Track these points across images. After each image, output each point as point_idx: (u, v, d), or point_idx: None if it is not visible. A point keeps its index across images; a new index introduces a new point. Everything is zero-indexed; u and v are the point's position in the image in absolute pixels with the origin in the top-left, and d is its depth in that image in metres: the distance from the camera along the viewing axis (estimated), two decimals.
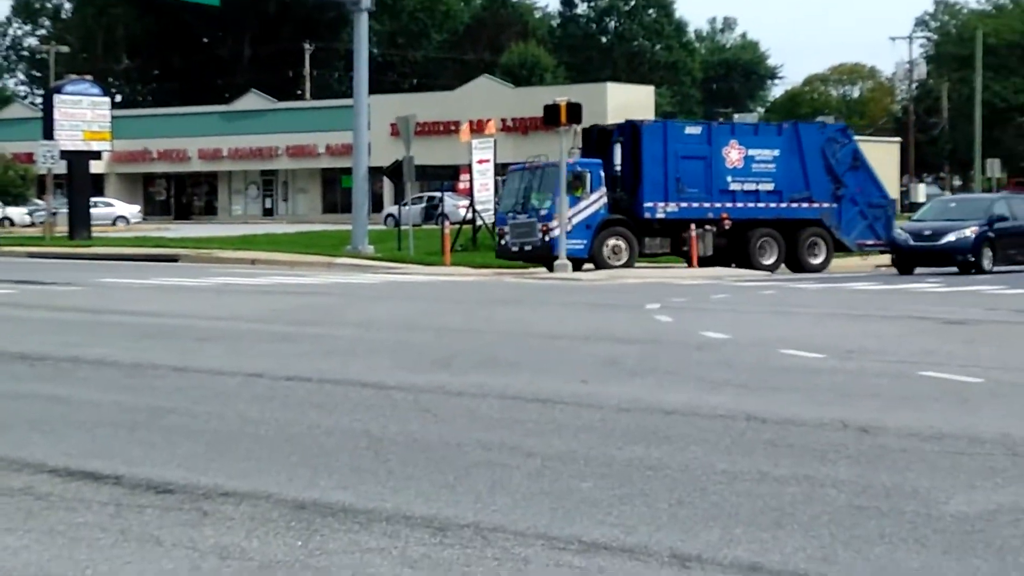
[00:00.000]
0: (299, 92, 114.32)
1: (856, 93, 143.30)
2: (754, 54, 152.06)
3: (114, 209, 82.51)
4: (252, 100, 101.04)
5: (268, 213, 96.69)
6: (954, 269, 36.40)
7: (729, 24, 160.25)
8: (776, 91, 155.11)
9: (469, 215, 44.71)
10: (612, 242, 37.80)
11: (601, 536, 7.18)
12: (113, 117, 58.36)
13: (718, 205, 38.84)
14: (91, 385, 13.03)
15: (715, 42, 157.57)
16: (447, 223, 39.97)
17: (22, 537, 7.25)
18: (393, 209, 62.93)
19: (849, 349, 16.02)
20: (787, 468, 8.97)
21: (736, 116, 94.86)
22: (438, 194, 58.10)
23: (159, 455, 9.52)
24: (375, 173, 52.78)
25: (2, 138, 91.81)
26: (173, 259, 42.09)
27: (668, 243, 38.92)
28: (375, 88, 56.26)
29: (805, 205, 40.00)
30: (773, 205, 39.69)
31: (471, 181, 43.84)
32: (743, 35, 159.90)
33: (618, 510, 7.77)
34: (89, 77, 61.78)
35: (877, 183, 41.88)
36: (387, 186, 76.35)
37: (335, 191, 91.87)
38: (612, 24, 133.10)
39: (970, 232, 36.53)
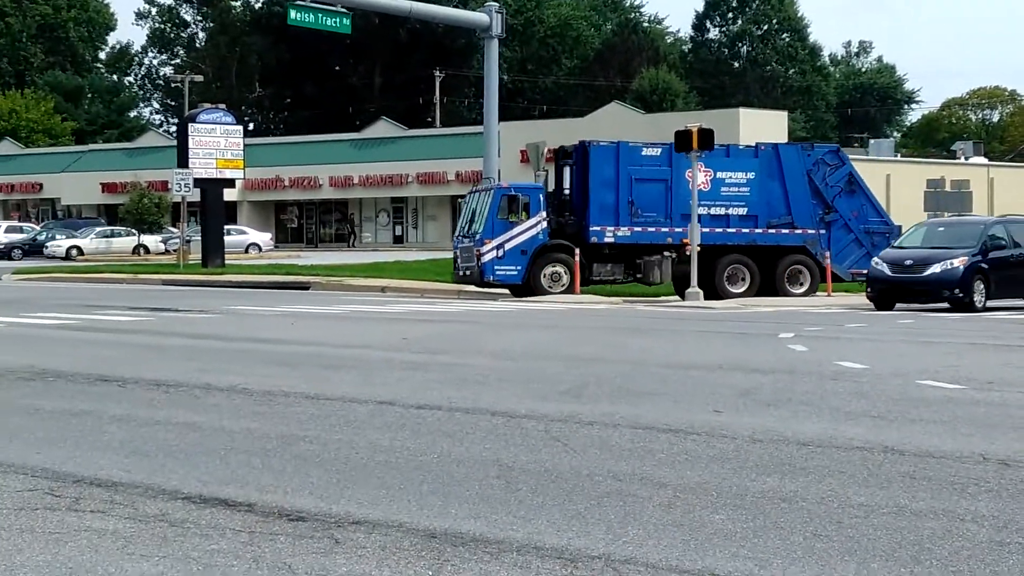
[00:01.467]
0: (429, 119, 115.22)
1: (996, 117, 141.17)
2: (890, 78, 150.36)
3: (247, 237, 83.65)
4: (382, 127, 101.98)
5: (398, 240, 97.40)
6: (943, 304, 32.60)
7: (864, 48, 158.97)
8: (913, 116, 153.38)
9: None
10: (551, 269, 37.74)
11: (734, 569, 7.07)
12: (246, 145, 59.20)
13: (679, 230, 37.42)
14: (224, 412, 13.13)
15: (850, 66, 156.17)
16: (577, 250, 39.99)
17: (157, 563, 7.29)
18: None
19: (990, 380, 15.68)
20: (925, 502, 8.77)
21: (871, 141, 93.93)
22: None
23: (291, 482, 9.55)
24: None
25: (137, 166, 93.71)
26: (304, 287, 42.51)
27: (621, 269, 38.31)
28: (505, 115, 56.52)
29: (786, 231, 38.56)
30: (746, 230, 38.39)
31: None
32: (879, 59, 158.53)
33: (751, 543, 7.64)
34: (223, 106, 62.80)
35: (877, 208, 40.09)
36: None
37: None
38: (745, 49, 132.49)
39: (959, 262, 31.69)
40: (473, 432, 11.79)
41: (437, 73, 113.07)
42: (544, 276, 37.70)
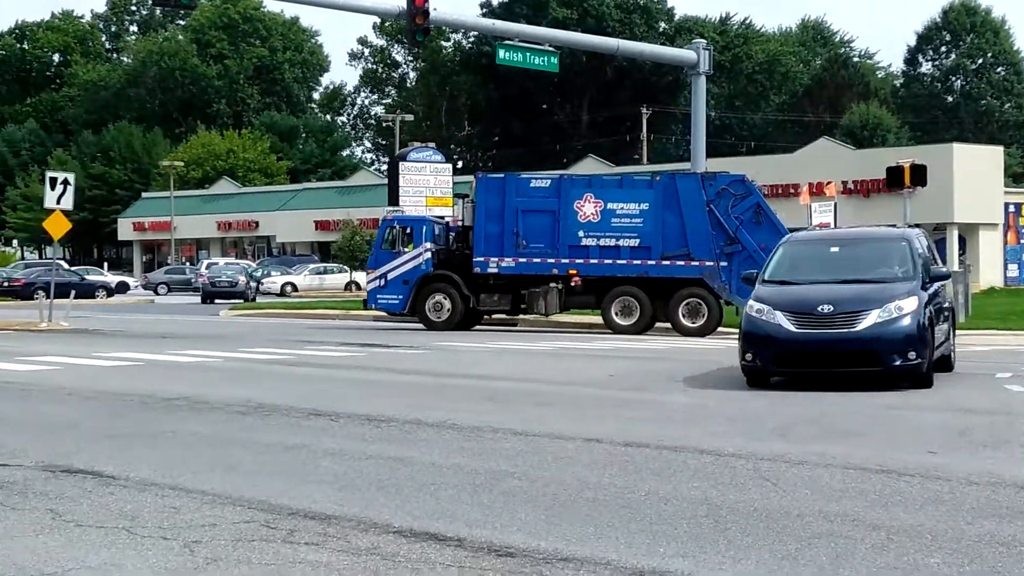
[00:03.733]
0: (636, 156, 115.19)
1: None
2: None
3: None
4: (590, 165, 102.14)
5: None
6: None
7: None
8: None
9: None
10: (434, 298, 38.96)
11: None
12: (454, 183, 59.83)
13: (566, 261, 37.72)
14: (434, 447, 13.28)
15: None
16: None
17: None
18: None
19: None
20: None
21: None
22: None
23: (500, 518, 9.62)
24: None
25: (349, 204, 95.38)
26: (512, 323, 42.76)
27: (508, 299, 38.75)
28: (712, 151, 56.26)
29: (682, 263, 37.24)
30: (637, 262, 37.49)
31: None
32: None
33: None
34: (432, 144, 63.57)
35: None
36: None
37: None
38: (958, 83, 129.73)
39: (907, 305, 19.45)
40: (681, 470, 11.74)
41: (644, 110, 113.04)
42: (429, 303, 39.03)
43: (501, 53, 41.48)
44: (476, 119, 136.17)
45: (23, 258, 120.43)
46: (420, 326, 39.42)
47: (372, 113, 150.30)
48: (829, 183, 58.83)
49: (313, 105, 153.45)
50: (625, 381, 21.16)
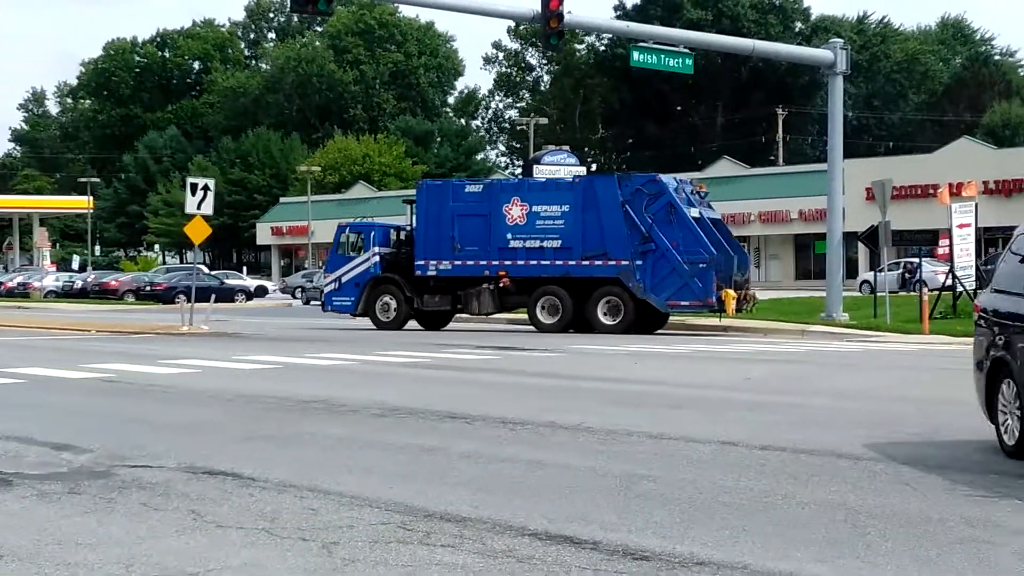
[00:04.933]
0: (771, 157, 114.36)
1: None
2: None
3: None
4: (724, 166, 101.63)
5: None
6: None
7: None
8: None
9: (948, 281, 43.35)
10: (383, 299, 41.13)
11: None
12: None
13: (496, 263, 39.30)
14: (568, 450, 13.29)
15: None
16: (925, 290, 39.00)
17: None
18: (868, 275, 61.75)
19: None
20: None
21: None
22: (915, 260, 56.80)
23: (634, 521, 9.60)
24: (850, 239, 51.96)
25: None
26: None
27: (448, 300, 40.34)
28: (849, 152, 55.55)
29: (599, 263, 37.95)
30: (560, 262, 38.53)
31: (951, 246, 42.43)
32: None
33: None
34: (566, 147, 63.58)
35: (698, 238, 37.46)
36: (862, 252, 75.10)
37: (808, 257, 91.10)
38: None
39: None
40: (818, 474, 11.62)
41: (779, 111, 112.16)
42: (379, 304, 41.14)
43: (635, 55, 41.33)
44: (610, 122, 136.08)
45: (164, 263, 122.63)
46: (561, 332, 39.43)
47: (506, 117, 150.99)
48: (969, 183, 57.88)
49: (448, 109, 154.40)
50: (761, 384, 21.00)
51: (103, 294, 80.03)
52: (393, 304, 40.98)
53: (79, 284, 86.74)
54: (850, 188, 62.67)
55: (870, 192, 54.57)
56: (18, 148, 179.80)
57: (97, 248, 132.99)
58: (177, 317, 42.60)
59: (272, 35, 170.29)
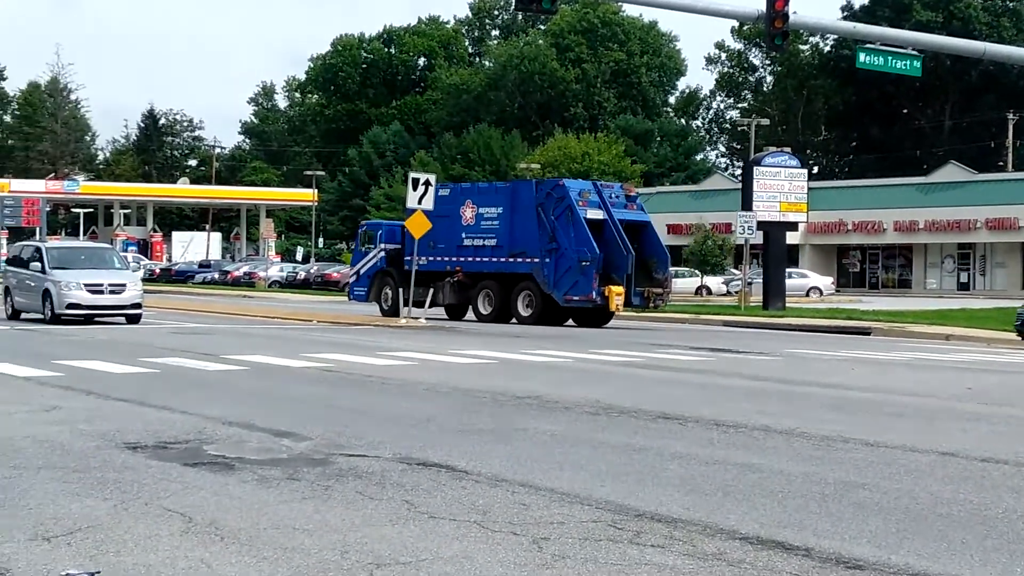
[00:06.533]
0: (1000, 163, 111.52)
1: None
2: None
3: (808, 280, 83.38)
4: (950, 171, 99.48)
5: (963, 287, 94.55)
6: None
7: None
8: None
9: None
10: (384, 291, 46.40)
11: None
12: (809, 189, 59.04)
13: (455, 259, 44.38)
14: (781, 455, 13.15)
15: None
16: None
17: None
18: None
19: None
20: None
21: None
22: None
23: (848, 529, 9.47)
24: None
25: (702, 208, 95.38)
26: (865, 332, 41.94)
27: (428, 292, 44.14)
28: None
29: (520, 260, 42.59)
30: (495, 260, 43.39)
31: None
32: None
33: None
34: (787, 149, 63.04)
35: (587, 239, 41.07)
36: None
37: None
38: None
39: None
40: None
41: (1010, 115, 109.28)
42: (381, 296, 46.61)
43: (861, 56, 40.66)
44: (833, 123, 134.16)
45: None
46: (770, 332, 39.13)
47: (727, 117, 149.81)
48: None
49: (668, 109, 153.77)
50: (984, 395, 20.50)
51: (325, 285, 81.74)
52: (391, 294, 45.86)
53: (302, 275, 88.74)
54: None
55: None
56: (247, 141, 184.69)
57: (320, 240, 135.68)
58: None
59: (496, 33, 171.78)
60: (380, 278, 46.70)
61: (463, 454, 12.70)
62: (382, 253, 46.77)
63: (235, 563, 8.19)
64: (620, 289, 40.27)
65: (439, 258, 44.62)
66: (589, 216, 41.57)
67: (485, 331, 38.20)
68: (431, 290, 44.26)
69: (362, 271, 47.70)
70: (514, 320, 42.96)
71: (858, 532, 9.37)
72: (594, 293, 40.55)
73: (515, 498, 10.48)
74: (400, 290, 44.03)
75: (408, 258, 43.95)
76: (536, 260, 42.08)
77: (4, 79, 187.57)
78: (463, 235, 44.16)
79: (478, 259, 43.90)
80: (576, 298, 41.19)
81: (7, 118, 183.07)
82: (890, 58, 40.70)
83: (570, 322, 43.22)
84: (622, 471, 11.92)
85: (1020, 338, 37.68)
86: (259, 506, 10.03)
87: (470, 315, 45.25)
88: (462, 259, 44.27)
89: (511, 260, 42.86)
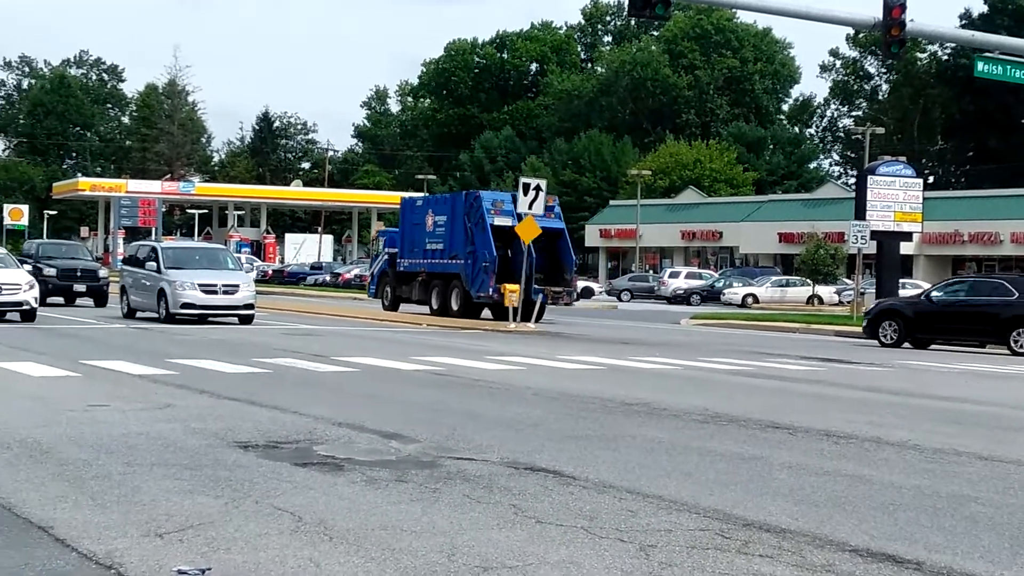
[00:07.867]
0: None
1: None
2: None
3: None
4: None
5: None
6: None
7: None
8: None
9: None
10: (385, 289, 52.73)
11: None
12: (924, 198, 58.31)
13: (422, 261, 49.62)
14: (893, 467, 13.00)
15: None
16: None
17: None
18: None
19: None
20: None
21: None
22: None
23: (960, 544, 9.34)
24: None
25: (814, 217, 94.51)
26: (980, 344, 41.31)
27: (410, 290, 50.61)
28: None
29: (454, 261, 47.26)
30: (441, 261, 48.26)
31: None
32: None
33: None
34: (903, 158, 62.22)
35: (489, 243, 45.14)
36: None
37: None
38: None
39: None
40: None
41: None
42: (383, 294, 52.90)
43: (980, 65, 40.11)
44: (950, 133, 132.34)
45: None
46: (877, 343, 38.68)
47: (841, 125, 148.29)
48: None
49: (781, 116, 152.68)
50: None
51: None
52: (389, 292, 52.28)
53: None
54: None
55: None
56: (360, 144, 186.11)
57: None
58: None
59: (608, 38, 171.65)
60: (383, 278, 53.30)
61: (570, 459, 12.70)
62: (386, 256, 53.03)
63: (343, 563, 8.24)
64: (516, 287, 42.75)
65: (415, 260, 50.16)
66: (497, 223, 45.80)
67: (595, 337, 38.17)
68: (412, 287, 50.38)
69: (374, 272, 55.13)
70: (451, 314, 47.53)
71: (971, 547, 9.23)
72: (491, 290, 44.83)
73: (622, 504, 10.46)
74: (393, 288, 51.69)
75: (398, 261, 51.20)
76: (462, 261, 46.78)
77: (123, 81, 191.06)
78: (427, 240, 49.39)
79: (433, 261, 48.92)
80: (482, 295, 45.65)
81: (125, 119, 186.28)
82: (1009, 67, 40.11)
83: (486, 313, 47.58)
84: (730, 480, 11.85)
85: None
86: (367, 507, 10.10)
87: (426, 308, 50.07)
88: (426, 261, 49.39)
89: (449, 261, 47.67)
